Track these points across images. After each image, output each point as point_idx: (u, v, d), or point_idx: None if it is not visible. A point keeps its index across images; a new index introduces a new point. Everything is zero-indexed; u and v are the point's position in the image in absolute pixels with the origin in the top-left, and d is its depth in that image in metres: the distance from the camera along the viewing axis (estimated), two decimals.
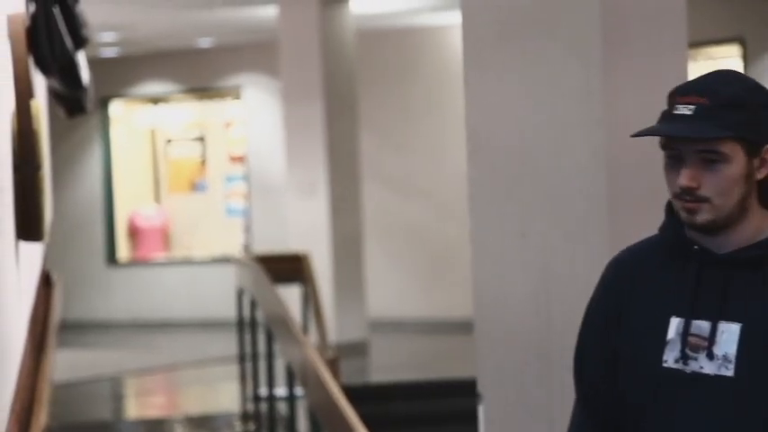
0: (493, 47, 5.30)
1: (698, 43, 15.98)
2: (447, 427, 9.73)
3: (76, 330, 18.58)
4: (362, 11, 17.27)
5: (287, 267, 12.45)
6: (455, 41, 17.60)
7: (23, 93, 5.21)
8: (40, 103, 6.42)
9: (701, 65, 17.03)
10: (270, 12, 17.04)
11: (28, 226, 5.19)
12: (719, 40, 17.76)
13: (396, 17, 17.62)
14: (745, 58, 17.88)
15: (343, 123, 16.66)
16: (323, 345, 10.74)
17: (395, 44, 19.34)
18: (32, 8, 6.05)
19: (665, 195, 3.23)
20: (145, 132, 22.21)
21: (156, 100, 22.02)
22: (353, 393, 7.69)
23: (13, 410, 4.59)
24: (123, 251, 21.91)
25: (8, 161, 4.74)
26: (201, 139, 22.05)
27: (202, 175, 21.82)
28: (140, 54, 21.53)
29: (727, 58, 18.12)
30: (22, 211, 5.10)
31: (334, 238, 16.44)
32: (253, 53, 20.65)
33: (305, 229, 16.35)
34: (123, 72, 21.68)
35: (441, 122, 18.44)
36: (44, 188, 5.55)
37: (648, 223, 3.53)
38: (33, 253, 6.83)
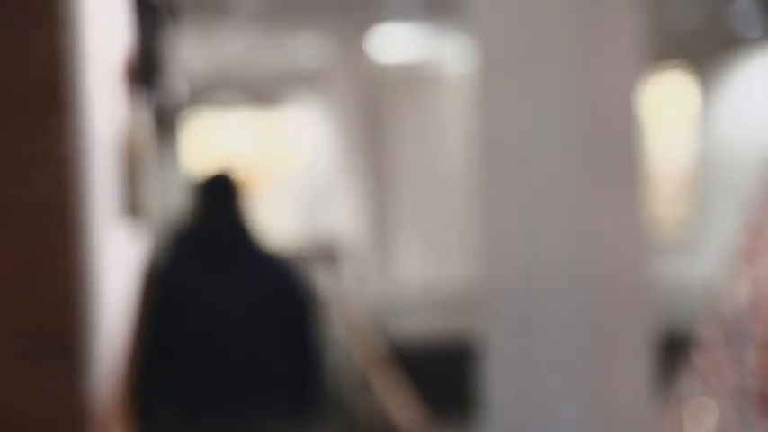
0: (501, 77, 5.16)
1: (656, 67, 15.94)
2: (460, 370, 9.83)
3: None
4: (387, 56, 17.65)
5: (329, 251, 12.63)
6: (445, 79, 17.80)
7: (127, 113, 5.53)
8: (143, 119, 6.51)
9: (657, 87, 16.95)
10: (319, 52, 17.40)
11: (133, 206, 5.42)
12: (672, 67, 17.48)
13: (414, 62, 17.50)
14: (699, 89, 17.75)
15: (376, 139, 16.99)
16: (356, 309, 10.73)
17: (408, 80, 19.03)
18: (138, 47, 6.10)
19: None
20: (214, 142, 22.20)
21: (225, 117, 22.08)
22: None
23: (126, 353, 4.60)
24: None
25: (115, 164, 4.78)
26: (263, 148, 22.15)
27: (265, 180, 21.72)
28: (220, 81, 21.68)
29: (682, 82, 17.87)
30: (128, 197, 5.33)
31: (369, 227, 16.97)
32: (306, 83, 20.81)
33: (348, 218, 16.76)
34: (203, 94, 21.83)
35: (440, 132, 18.22)
36: (144, 179, 5.85)
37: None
38: (139, 229, 6.27)
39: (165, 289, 5.45)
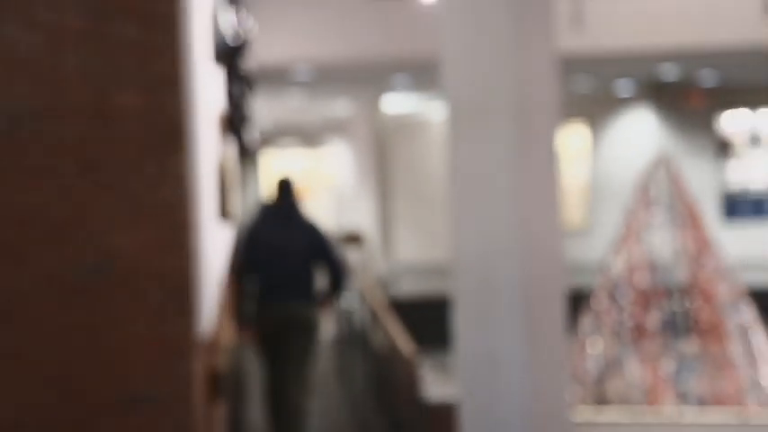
0: (465, 123, 5.15)
1: (565, 119, 15.79)
2: (439, 318, 9.91)
3: None
4: (393, 110, 17.56)
5: (353, 238, 12.59)
6: (429, 125, 17.71)
7: (221, 148, 5.65)
8: (231, 153, 6.51)
9: (566, 132, 16.80)
10: (347, 108, 17.36)
11: (224, 211, 5.40)
12: (574, 122, 17.32)
13: (409, 114, 17.60)
14: (590, 136, 17.68)
15: (383, 164, 16.97)
16: (371, 278, 10.75)
17: (408, 125, 19.13)
18: (227, 105, 6.19)
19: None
20: (278, 168, 22.22)
21: (285, 150, 22.12)
22: (389, 302, 7.83)
23: (220, 308, 4.73)
24: None
25: (214, 182, 4.81)
26: (310, 172, 22.22)
27: (311, 191, 21.84)
28: (280, 128, 21.60)
29: (579, 133, 17.57)
30: (221, 204, 5.26)
31: (378, 222, 16.76)
32: (336, 129, 20.83)
33: (364, 217, 16.69)
34: (270, 138, 21.80)
35: (429, 162, 18.19)
36: (231, 192, 5.91)
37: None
38: (228, 227, 6.40)
39: (253, 235, 6.52)
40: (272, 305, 6.35)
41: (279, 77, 13.36)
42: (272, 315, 6.33)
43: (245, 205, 21.01)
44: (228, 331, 5.52)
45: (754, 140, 17.48)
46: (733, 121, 17.38)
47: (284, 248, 6.43)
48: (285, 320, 6.32)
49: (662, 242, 10.07)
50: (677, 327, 9.91)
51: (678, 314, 9.91)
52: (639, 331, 9.85)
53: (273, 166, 22.16)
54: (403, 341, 5.96)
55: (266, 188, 21.46)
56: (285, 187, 6.62)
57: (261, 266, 6.39)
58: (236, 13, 6.50)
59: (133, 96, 3.74)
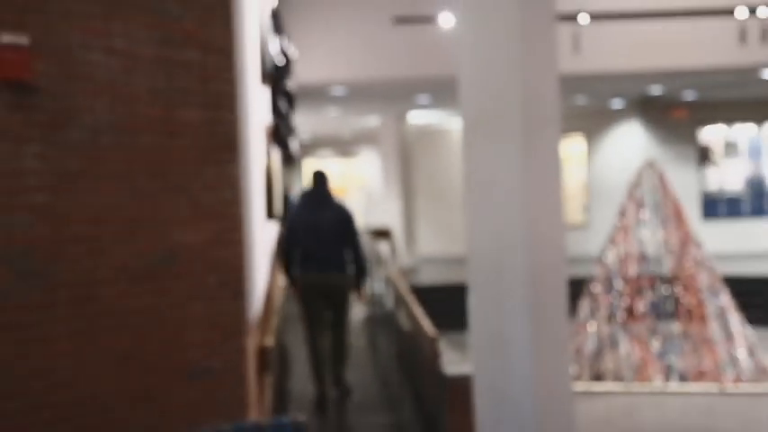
0: (478, 134, 5.09)
1: (565, 130, 15.59)
2: (457, 303, 9.82)
3: None
4: (417, 121, 17.50)
5: (383, 233, 12.56)
6: (447, 134, 17.63)
7: (268, 156, 5.65)
8: (276, 160, 6.81)
9: (566, 141, 16.78)
10: (376, 120, 17.32)
11: (269, 212, 5.75)
12: (573, 131, 17.27)
13: (431, 124, 17.58)
14: (587, 145, 17.62)
15: (407, 169, 16.89)
16: (398, 267, 10.73)
17: (431, 136, 19.15)
18: (272, 118, 6.34)
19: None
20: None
21: (323, 158, 22.13)
22: (412, 289, 7.86)
23: (266, 294, 4.87)
24: None
25: (262, 186, 4.96)
26: (346, 176, 22.22)
27: (346, 192, 21.87)
28: (318, 139, 21.55)
29: (577, 143, 17.49)
30: (267, 206, 5.54)
31: (403, 220, 16.55)
32: (367, 139, 20.81)
33: (390, 216, 16.65)
34: (310, 147, 21.82)
35: (449, 168, 18.13)
36: (276, 195, 5.96)
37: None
38: (272, 224, 7.25)
39: (295, 218, 6.85)
40: (310, 274, 6.79)
41: (317, 95, 13.38)
42: (311, 282, 6.79)
43: (289, 206, 21.05)
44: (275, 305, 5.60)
45: (730, 149, 17.39)
46: (711, 133, 17.30)
47: (319, 226, 6.80)
48: (324, 286, 6.80)
49: (650, 237, 10.00)
50: (664, 310, 9.84)
51: (664, 299, 9.84)
52: (631, 314, 9.78)
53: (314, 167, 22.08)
54: (425, 322, 5.94)
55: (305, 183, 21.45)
56: (319, 177, 6.97)
57: (301, 241, 6.80)
58: (281, 39, 6.61)
59: (195, 112, 3.77)
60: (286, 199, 11.20)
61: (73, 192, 3.32)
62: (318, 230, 6.74)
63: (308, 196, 6.98)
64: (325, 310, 6.79)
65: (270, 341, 4.74)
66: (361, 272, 6.79)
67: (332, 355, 6.86)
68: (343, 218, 6.77)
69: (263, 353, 4.51)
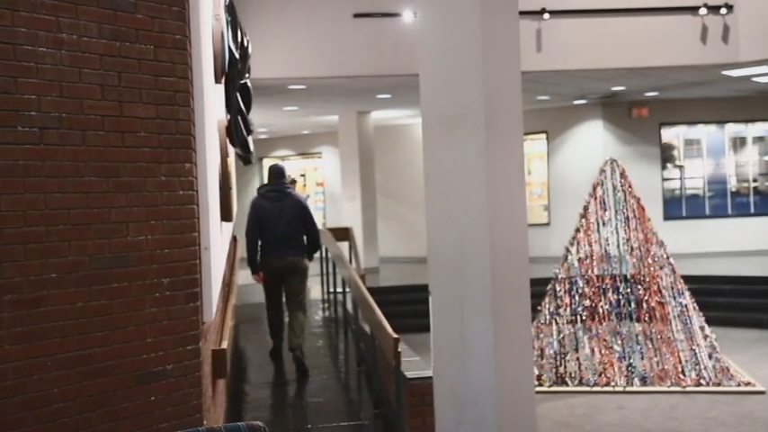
0: (439, 131, 5.03)
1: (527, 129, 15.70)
2: (417, 305, 9.87)
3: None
4: (377, 117, 17.47)
5: (342, 233, 12.54)
6: (407, 133, 17.69)
7: (224, 156, 5.50)
8: (232, 160, 6.73)
9: (528, 140, 16.77)
10: (335, 118, 17.27)
11: (225, 214, 5.42)
12: (535, 132, 17.36)
13: (393, 120, 17.59)
14: (548, 143, 17.77)
15: (367, 168, 16.86)
16: (358, 268, 10.80)
17: (392, 132, 19.05)
18: (228, 116, 6.13)
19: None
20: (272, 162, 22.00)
21: (282, 157, 22.02)
22: (372, 291, 7.71)
23: (221, 296, 4.75)
24: None
25: (218, 186, 4.80)
26: (304, 175, 22.08)
27: (305, 191, 21.75)
28: (276, 137, 21.61)
29: (539, 141, 17.60)
30: (223, 208, 5.27)
31: (363, 220, 16.49)
32: (327, 136, 20.73)
33: (349, 215, 16.60)
34: (268, 145, 21.71)
35: (411, 165, 18.21)
36: (233, 197, 5.90)
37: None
38: (228, 226, 7.00)
39: (256, 209, 7.86)
40: (273, 258, 7.79)
41: (275, 91, 13.30)
42: (274, 264, 7.79)
43: (244, 206, 20.91)
44: (228, 316, 5.56)
45: (690, 149, 17.61)
46: (672, 132, 17.49)
47: (279, 216, 7.77)
48: (284, 267, 7.80)
49: (612, 236, 10.08)
50: (626, 310, 9.92)
51: (626, 299, 9.92)
52: (593, 315, 9.86)
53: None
54: (385, 324, 5.93)
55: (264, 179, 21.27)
56: (276, 171, 8.01)
57: (263, 230, 7.81)
58: (237, 33, 6.53)
59: (148, 108, 3.72)
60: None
61: (19, 190, 3.25)
62: (279, 218, 7.74)
63: (266, 189, 7.94)
64: (283, 285, 7.89)
65: (225, 344, 4.70)
66: (313, 245, 7.85)
67: (290, 326, 7.80)
68: (300, 205, 7.85)
69: (218, 356, 4.47)
